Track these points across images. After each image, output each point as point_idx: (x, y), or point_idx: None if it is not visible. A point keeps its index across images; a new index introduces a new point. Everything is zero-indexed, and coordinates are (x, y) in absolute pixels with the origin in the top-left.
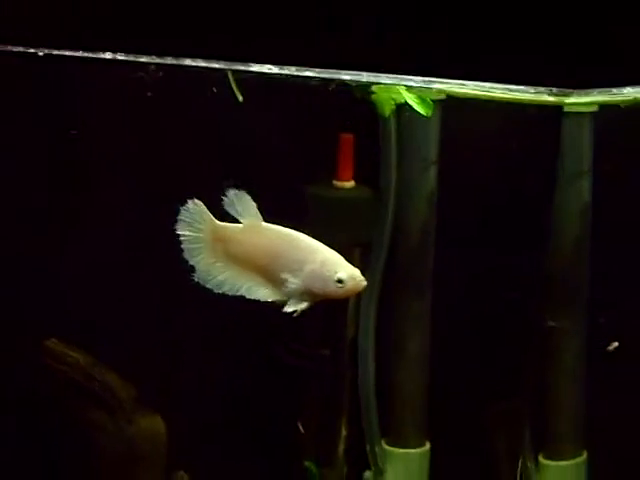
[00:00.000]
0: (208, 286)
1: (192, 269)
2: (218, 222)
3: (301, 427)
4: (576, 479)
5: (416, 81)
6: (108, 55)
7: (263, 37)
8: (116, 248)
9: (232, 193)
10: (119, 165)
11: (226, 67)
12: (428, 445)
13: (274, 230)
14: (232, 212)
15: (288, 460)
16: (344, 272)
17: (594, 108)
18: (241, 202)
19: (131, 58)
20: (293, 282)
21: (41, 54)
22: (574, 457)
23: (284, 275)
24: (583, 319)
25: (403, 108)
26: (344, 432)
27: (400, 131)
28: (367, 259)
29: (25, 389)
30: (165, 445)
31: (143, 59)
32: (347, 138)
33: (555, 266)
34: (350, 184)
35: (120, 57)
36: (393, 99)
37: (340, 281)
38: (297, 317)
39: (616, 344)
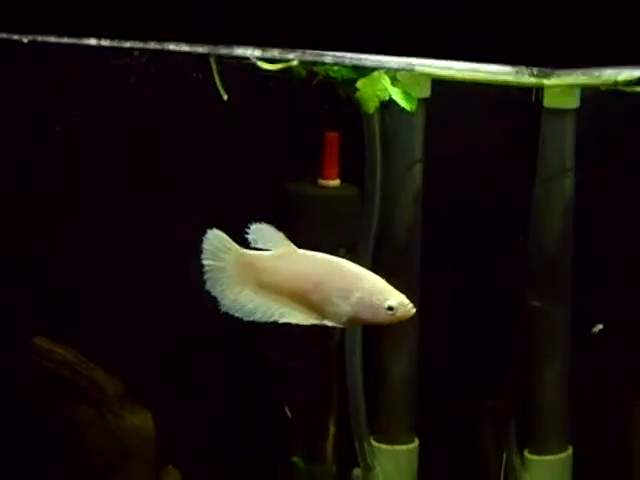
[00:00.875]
0: (238, 315)
1: (218, 300)
2: (244, 250)
3: (288, 411)
4: (562, 474)
5: (396, 63)
6: (93, 41)
7: (245, 20)
8: (98, 242)
9: (254, 227)
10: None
11: (209, 51)
12: (417, 442)
13: (312, 257)
14: (259, 245)
15: (276, 456)
16: (394, 300)
17: (575, 105)
18: (267, 233)
19: (115, 44)
20: (343, 309)
21: (25, 41)
22: (560, 452)
23: (333, 301)
24: (568, 314)
25: (388, 105)
26: (332, 429)
27: (385, 129)
28: (352, 258)
29: (12, 386)
30: (153, 440)
31: (127, 45)
32: (332, 136)
33: (539, 266)
34: (335, 183)
35: (105, 43)
36: (377, 96)
37: (391, 308)
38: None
39: (600, 326)
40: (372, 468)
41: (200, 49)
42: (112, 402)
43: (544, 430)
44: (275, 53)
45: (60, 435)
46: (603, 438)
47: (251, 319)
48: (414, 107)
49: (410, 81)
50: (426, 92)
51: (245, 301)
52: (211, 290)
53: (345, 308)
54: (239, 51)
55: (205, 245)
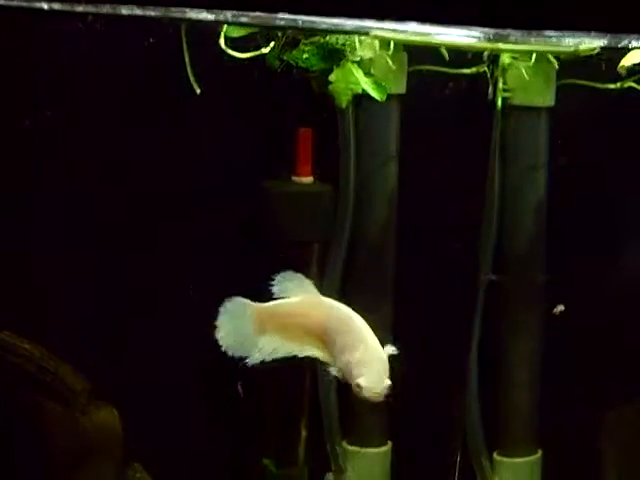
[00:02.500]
0: (257, 357)
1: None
2: (263, 305)
3: (240, 389)
4: (530, 476)
5: (351, 26)
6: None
7: None
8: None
9: (280, 276)
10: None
11: (162, 14)
12: (389, 444)
13: (332, 306)
14: (285, 293)
15: (246, 457)
16: (365, 380)
17: (550, 103)
18: (292, 280)
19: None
20: (333, 368)
21: None
22: (528, 454)
23: (333, 353)
24: (537, 315)
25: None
26: (304, 432)
27: (358, 124)
28: (326, 255)
29: None
30: (120, 437)
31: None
32: (305, 132)
33: (512, 261)
34: (309, 179)
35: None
36: (350, 89)
37: (358, 386)
38: None
39: (562, 307)
40: (344, 471)
41: (152, 12)
42: (78, 398)
43: (512, 432)
44: (228, 15)
45: (25, 431)
46: (573, 441)
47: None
48: (384, 97)
49: (385, 77)
50: (401, 89)
51: (265, 346)
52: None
53: (335, 366)
54: (192, 14)
55: (224, 318)
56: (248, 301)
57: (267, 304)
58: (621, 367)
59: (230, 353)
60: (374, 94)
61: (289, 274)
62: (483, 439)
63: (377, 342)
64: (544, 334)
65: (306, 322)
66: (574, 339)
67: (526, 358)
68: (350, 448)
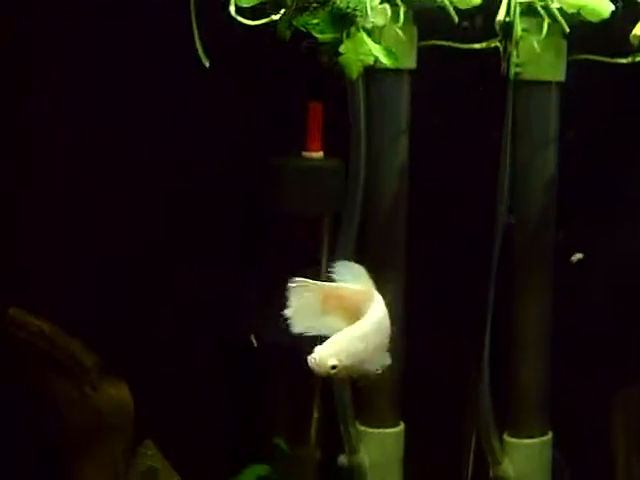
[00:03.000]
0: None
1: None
2: (330, 285)
3: (254, 340)
4: (540, 458)
5: None
6: None
7: None
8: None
9: (340, 264)
10: None
11: None
12: (402, 425)
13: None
14: (343, 279)
15: (258, 435)
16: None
17: (561, 78)
18: (353, 271)
19: None
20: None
21: None
22: (539, 435)
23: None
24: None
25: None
26: (316, 412)
27: (369, 99)
28: (337, 230)
29: None
30: (131, 413)
31: None
32: (315, 107)
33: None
34: (319, 155)
35: None
36: (361, 60)
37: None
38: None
39: (580, 256)
40: (357, 452)
41: None
42: (90, 374)
43: (523, 412)
44: None
45: (36, 408)
46: (583, 423)
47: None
48: (395, 63)
49: (396, 51)
50: (412, 63)
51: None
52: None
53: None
54: None
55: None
56: (315, 281)
57: (332, 284)
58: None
59: (297, 332)
60: (385, 61)
61: (349, 263)
62: (493, 420)
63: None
64: (557, 301)
65: (359, 308)
66: (585, 313)
67: (538, 329)
68: (363, 429)
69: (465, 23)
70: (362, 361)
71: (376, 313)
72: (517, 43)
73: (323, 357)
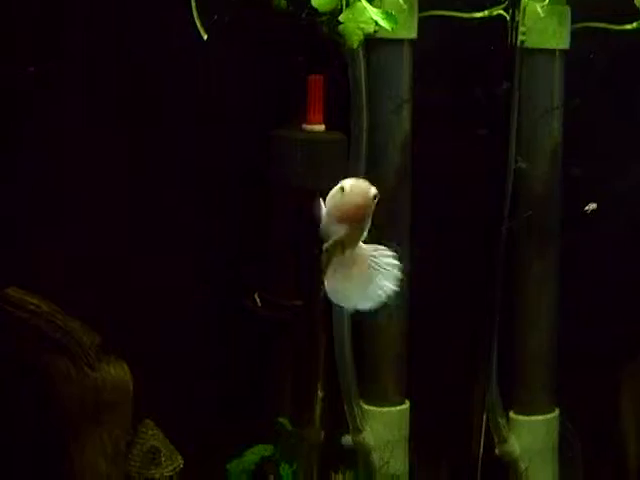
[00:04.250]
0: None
1: None
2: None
3: (258, 299)
4: (546, 435)
5: None
6: None
7: None
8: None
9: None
10: None
11: None
12: (407, 403)
13: None
14: None
15: (262, 415)
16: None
17: (565, 45)
18: None
19: None
20: None
21: None
22: (545, 413)
23: None
24: (556, 266)
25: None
26: (320, 391)
27: (370, 69)
28: None
29: None
30: (130, 392)
31: None
32: (316, 79)
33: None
34: (320, 127)
35: None
36: (361, 29)
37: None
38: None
39: (594, 205)
40: (362, 431)
41: None
42: (88, 354)
43: (530, 390)
44: None
45: (35, 387)
46: (591, 400)
47: None
48: (394, 26)
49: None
50: (413, 33)
51: None
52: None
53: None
54: None
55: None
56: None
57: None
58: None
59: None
60: (384, 24)
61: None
62: (499, 397)
63: None
64: (564, 276)
65: None
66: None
67: (545, 306)
68: (367, 407)
69: None
70: None
71: None
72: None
73: (365, 184)
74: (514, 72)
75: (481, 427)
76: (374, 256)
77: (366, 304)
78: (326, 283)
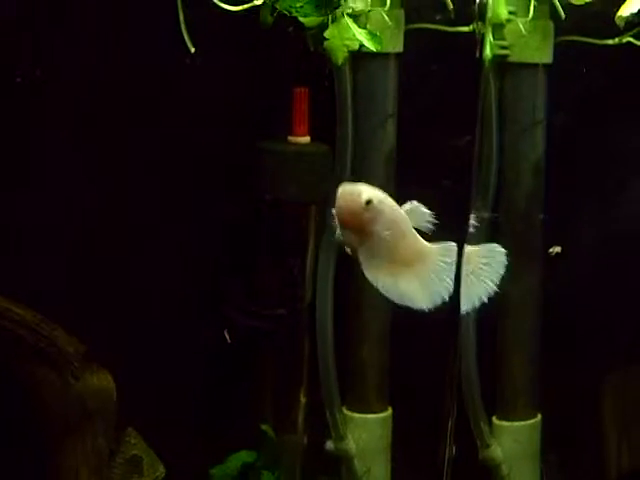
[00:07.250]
0: None
1: None
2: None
3: (227, 336)
4: (530, 440)
5: None
6: None
7: None
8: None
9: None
10: None
11: None
12: (390, 410)
13: None
14: None
15: (244, 423)
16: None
17: (548, 60)
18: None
19: None
20: None
21: None
22: (528, 418)
23: None
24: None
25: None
26: (303, 398)
27: (356, 84)
28: (323, 217)
29: None
30: (114, 402)
31: None
32: (301, 92)
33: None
34: (305, 139)
35: None
36: (346, 45)
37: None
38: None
39: (558, 249)
40: (344, 438)
41: None
42: (72, 363)
43: (512, 395)
44: None
45: (18, 396)
46: (573, 405)
47: None
48: (379, 47)
49: (382, 35)
50: (399, 47)
51: None
52: None
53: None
54: None
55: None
56: None
57: None
58: (623, 324)
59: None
60: (369, 45)
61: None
62: (481, 403)
63: None
64: (544, 283)
65: None
66: (574, 293)
67: (527, 311)
68: (350, 414)
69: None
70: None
71: None
72: (502, 25)
73: (357, 189)
74: (481, 87)
75: (465, 433)
76: (442, 255)
77: (427, 304)
78: (379, 283)
